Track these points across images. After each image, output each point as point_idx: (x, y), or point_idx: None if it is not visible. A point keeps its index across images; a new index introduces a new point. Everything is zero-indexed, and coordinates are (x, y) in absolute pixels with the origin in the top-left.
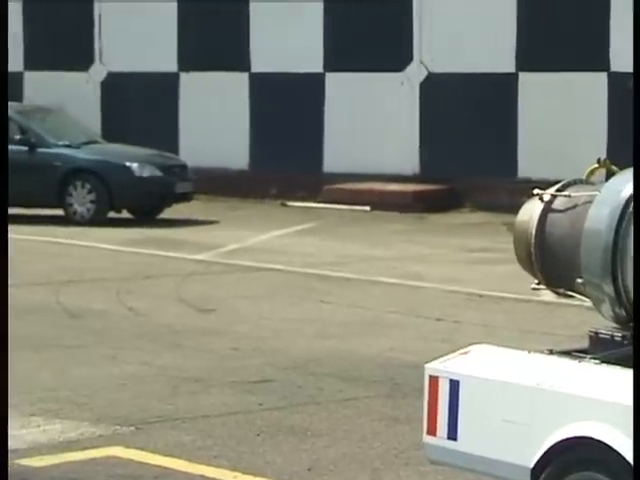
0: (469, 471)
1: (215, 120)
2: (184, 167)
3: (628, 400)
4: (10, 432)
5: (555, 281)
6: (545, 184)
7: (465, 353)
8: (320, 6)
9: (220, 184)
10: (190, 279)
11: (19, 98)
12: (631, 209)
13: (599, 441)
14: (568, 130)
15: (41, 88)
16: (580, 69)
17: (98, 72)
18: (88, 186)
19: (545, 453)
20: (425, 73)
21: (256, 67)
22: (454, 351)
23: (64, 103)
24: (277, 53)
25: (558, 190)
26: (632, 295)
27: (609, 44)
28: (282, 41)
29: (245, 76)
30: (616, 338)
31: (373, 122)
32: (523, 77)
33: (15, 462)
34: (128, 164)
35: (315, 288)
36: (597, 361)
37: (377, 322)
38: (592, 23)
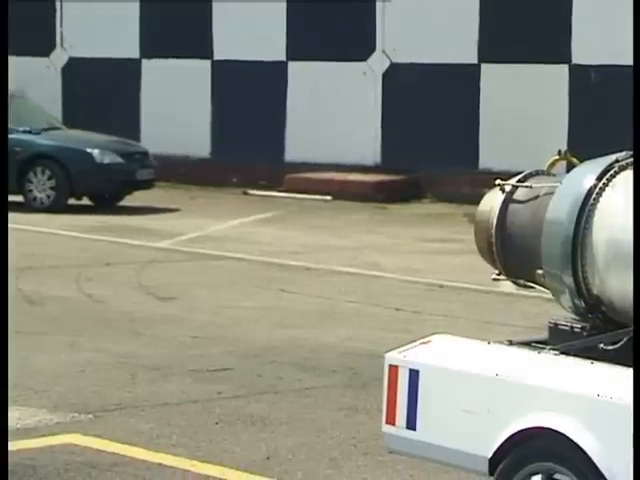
0: (428, 461)
1: (177, 107)
2: (145, 154)
3: (586, 391)
4: None
5: (515, 272)
6: (506, 175)
7: (425, 343)
8: None
9: (181, 172)
10: (150, 267)
11: None
12: (592, 201)
13: (557, 432)
14: (529, 122)
15: None
16: (542, 61)
17: (59, 57)
18: (48, 172)
19: (503, 443)
20: (388, 63)
21: (219, 55)
22: (413, 341)
23: (25, 88)
24: (240, 41)
25: (519, 181)
26: (591, 286)
27: (571, 37)
28: (245, 29)
29: (207, 63)
30: (575, 329)
31: (335, 112)
32: (485, 68)
33: None
34: (89, 150)
35: (275, 277)
36: (556, 352)
37: (337, 312)
38: (554, 16)
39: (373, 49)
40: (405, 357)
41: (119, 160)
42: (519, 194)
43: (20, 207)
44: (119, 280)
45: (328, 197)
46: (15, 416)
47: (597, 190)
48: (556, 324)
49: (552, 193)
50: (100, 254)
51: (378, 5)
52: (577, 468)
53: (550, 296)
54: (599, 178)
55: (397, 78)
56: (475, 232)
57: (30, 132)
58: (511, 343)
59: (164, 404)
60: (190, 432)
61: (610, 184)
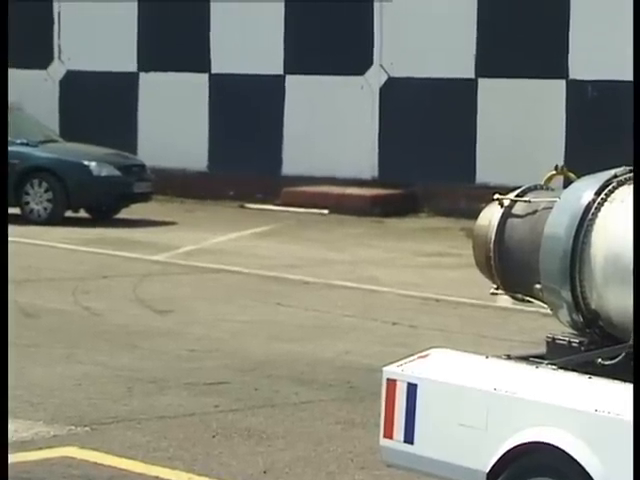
0: (425, 475)
1: (174, 121)
2: (142, 167)
3: (584, 406)
4: None
5: (513, 286)
6: (503, 190)
7: (423, 357)
8: (281, 8)
9: (178, 185)
10: (147, 280)
11: None
12: (590, 216)
13: (554, 446)
14: (526, 136)
15: None
16: (539, 76)
17: (57, 70)
18: (45, 185)
19: (501, 458)
20: (385, 77)
21: (216, 68)
22: (410, 355)
23: (22, 101)
24: (237, 54)
25: (518, 195)
26: (589, 301)
27: (568, 52)
28: (242, 42)
29: (205, 77)
30: (573, 344)
31: (332, 125)
32: (482, 83)
33: None
34: (86, 163)
35: (272, 291)
36: (554, 367)
37: (334, 325)
38: (552, 31)
39: (370, 63)
40: (403, 371)
41: (116, 173)
42: (517, 209)
43: (17, 219)
44: (116, 293)
45: (325, 211)
46: (11, 429)
47: (596, 205)
48: (554, 339)
49: (550, 208)
50: (97, 267)
51: (376, 19)
52: None
53: (548, 311)
54: (597, 193)
55: (394, 92)
56: (473, 246)
57: (27, 144)
58: (509, 357)
59: (161, 417)
60: (187, 445)
61: (609, 199)
